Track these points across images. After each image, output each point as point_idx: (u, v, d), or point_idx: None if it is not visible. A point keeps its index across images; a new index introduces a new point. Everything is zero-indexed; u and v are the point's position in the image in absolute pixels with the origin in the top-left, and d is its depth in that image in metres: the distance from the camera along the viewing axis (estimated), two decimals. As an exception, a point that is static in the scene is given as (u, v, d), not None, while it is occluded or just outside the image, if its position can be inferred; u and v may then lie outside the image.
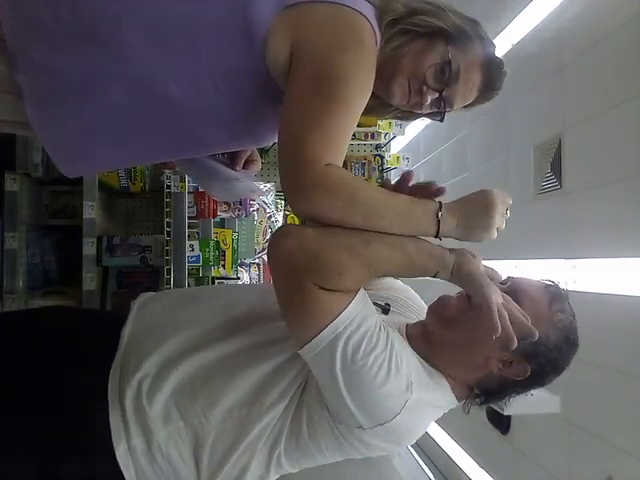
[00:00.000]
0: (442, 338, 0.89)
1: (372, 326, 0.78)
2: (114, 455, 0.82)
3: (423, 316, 1.01)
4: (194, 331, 0.91)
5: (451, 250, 0.81)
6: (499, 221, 0.81)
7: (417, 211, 0.79)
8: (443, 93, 0.89)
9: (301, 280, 0.75)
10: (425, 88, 0.89)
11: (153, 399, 0.84)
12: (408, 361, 0.84)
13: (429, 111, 0.95)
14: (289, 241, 0.76)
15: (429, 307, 0.94)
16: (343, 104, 0.77)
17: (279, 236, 0.79)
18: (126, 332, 0.93)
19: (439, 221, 0.78)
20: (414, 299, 1.12)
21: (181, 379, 0.86)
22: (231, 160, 1.11)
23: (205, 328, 0.92)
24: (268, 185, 2.11)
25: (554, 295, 0.90)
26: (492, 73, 0.92)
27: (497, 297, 0.77)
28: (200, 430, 0.84)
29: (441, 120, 0.95)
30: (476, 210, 0.80)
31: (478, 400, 0.93)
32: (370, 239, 0.76)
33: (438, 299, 0.92)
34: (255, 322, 0.94)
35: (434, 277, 0.81)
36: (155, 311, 0.98)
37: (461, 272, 0.79)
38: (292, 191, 0.75)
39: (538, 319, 0.83)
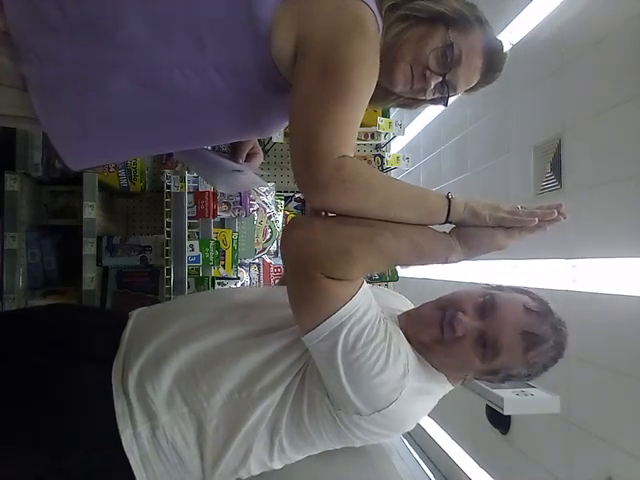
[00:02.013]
0: (427, 351, 0.93)
1: (374, 316, 0.82)
2: (120, 443, 0.83)
3: (404, 305, 1.09)
4: (191, 317, 0.95)
5: (449, 233, 0.85)
6: (506, 213, 0.84)
7: (429, 194, 0.84)
8: (446, 77, 0.90)
9: (310, 270, 0.78)
10: (428, 73, 0.89)
11: (156, 384, 0.86)
12: (406, 350, 0.88)
13: (432, 97, 0.95)
14: (299, 232, 0.79)
15: (408, 315, 0.99)
16: (352, 94, 0.78)
17: (290, 227, 0.82)
18: (127, 331, 0.96)
19: (450, 201, 0.81)
20: (388, 292, 1.20)
21: (182, 365, 0.88)
22: (233, 152, 1.12)
23: (202, 314, 0.96)
24: (268, 185, 2.11)
25: (532, 343, 0.89)
26: (493, 55, 0.94)
27: (505, 242, 0.84)
28: (202, 415, 0.86)
29: (445, 104, 0.96)
30: (485, 202, 0.85)
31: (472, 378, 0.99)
32: (378, 229, 0.79)
33: (416, 314, 0.97)
34: (254, 311, 0.97)
35: (445, 262, 0.84)
36: (153, 309, 1.04)
37: (470, 247, 0.84)
38: (308, 185, 0.76)
39: (513, 362, 0.90)
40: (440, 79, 0.90)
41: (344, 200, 0.76)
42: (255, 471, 0.93)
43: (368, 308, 0.81)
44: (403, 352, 0.86)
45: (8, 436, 0.84)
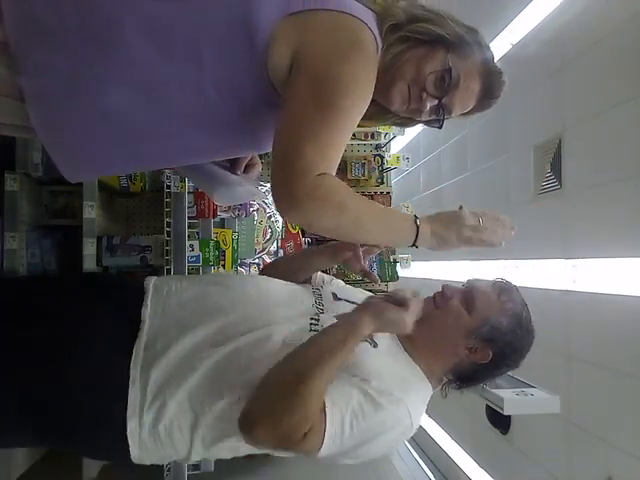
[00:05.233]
0: (418, 333, 0.97)
1: (355, 412, 0.85)
2: (125, 428, 0.85)
3: None
4: (226, 320, 0.94)
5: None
6: (470, 231, 0.89)
7: (399, 218, 0.88)
8: (442, 100, 0.90)
9: (285, 446, 0.84)
10: (425, 95, 0.89)
11: (174, 389, 0.87)
12: (402, 381, 0.93)
13: (428, 118, 0.95)
14: (258, 432, 0.81)
15: None
16: (340, 115, 0.79)
17: (248, 429, 0.83)
18: (147, 314, 0.94)
19: (418, 227, 0.85)
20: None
21: (203, 375, 0.89)
22: (232, 164, 1.11)
23: (235, 318, 0.95)
24: (268, 186, 2.12)
25: (502, 288, 1.03)
26: (491, 81, 0.94)
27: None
28: (201, 415, 0.88)
29: (439, 127, 0.97)
30: (448, 220, 0.89)
31: (454, 385, 1.04)
32: (305, 383, 0.80)
33: None
34: (271, 319, 0.96)
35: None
36: (175, 288, 0.99)
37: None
38: (284, 199, 0.77)
39: (490, 308, 0.99)
40: (436, 102, 0.90)
41: (317, 217, 0.78)
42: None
43: (342, 421, 0.84)
44: (400, 391, 0.90)
45: (20, 410, 0.86)
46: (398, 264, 2.51)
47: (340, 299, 1.07)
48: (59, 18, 0.79)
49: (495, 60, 0.96)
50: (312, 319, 0.96)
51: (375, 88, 0.85)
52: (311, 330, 0.93)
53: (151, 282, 1.01)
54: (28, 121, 0.83)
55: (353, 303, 1.06)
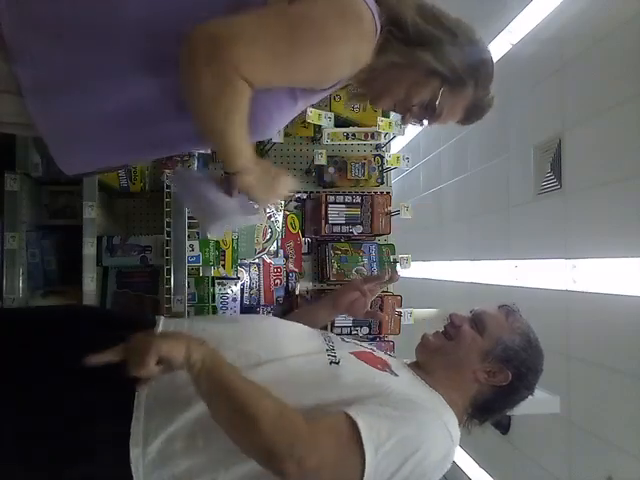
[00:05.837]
0: (433, 365, 1.02)
1: (389, 431, 0.77)
2: (128, 459, 0.83)
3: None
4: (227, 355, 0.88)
5: None
6: (253, 180, 0.89)
7: (244, 148, 0.85)
8: (423, 121, 0.96)
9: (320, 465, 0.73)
10: (408, 115, 0.95)
11: (182, 418, 0.85)
12: (433, 403, 0.91)
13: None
14: (288, 467, 0.70)
15: (416, 347, 1.08)
16: (308, 53, 0.79)
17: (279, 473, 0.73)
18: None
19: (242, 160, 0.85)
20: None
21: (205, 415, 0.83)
22: (228, 183, 1.05)
23: (239, 352, 0.91)
24: (263, 216, 2.11)
25: (508, 311, 1.05)
26: (473, 113, 0.98)
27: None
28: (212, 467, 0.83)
29: (420, 125, 1.01)
30: (263, 167, 0.90)
31: (476, 421, 1.02)
32: (250, 406, 0.73)
33: (421, 338, 1.07)
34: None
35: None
36: (185, 322, 1.03)
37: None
38: (199, 57, 0.76)
39: (500, 328, 1.01)
40: (418, 121, 0.96)
41: (201, 83, 0.76)
42: None
43: (385, 446, 0.75)
44: (431, 410, 0.87)
45: (17, 445, 0.84)
46: (398, 264, 2.51)
47: (348, 341, 1.07)
48: (54, 10, 0.80)
49: (494, 63, 0.95)
50: (328, 353, 0.94)
51: (366, 84, 0.89)
52: (331, 363, 0.91)
53: (162, 317, 1.03)
54: (25, 118, 0.83)
55: (360, 345, 1.07)
